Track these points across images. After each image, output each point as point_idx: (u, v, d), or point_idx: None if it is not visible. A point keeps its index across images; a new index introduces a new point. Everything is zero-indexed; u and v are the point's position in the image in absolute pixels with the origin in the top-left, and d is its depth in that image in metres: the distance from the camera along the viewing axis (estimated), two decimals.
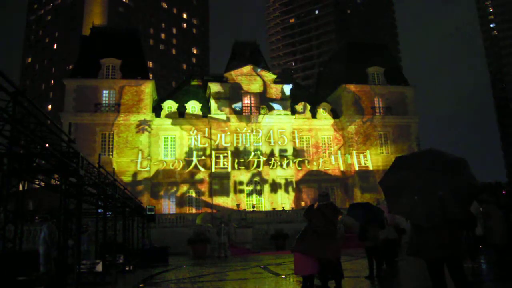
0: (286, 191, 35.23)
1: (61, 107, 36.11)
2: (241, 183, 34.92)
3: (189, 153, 34.81)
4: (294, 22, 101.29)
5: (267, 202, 34.88)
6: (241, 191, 34.86)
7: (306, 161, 36.59)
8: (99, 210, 13.38)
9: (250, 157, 35.12)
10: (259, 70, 37.18)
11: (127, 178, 32.10)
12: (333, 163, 36.99)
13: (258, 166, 35.01)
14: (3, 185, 6.03)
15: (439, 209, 4.65)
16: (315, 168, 36.63)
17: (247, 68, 36.89)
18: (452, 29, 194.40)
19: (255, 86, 36.75)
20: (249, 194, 35.19)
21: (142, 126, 33.96)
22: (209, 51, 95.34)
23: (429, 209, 4.71)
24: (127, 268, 14.71)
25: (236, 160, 34.81)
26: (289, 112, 36.62)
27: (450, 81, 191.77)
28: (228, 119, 35.39)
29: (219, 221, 25.30)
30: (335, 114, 38.46)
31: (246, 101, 36.59)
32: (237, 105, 36.01)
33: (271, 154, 35.51)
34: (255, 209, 33.32)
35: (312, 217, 7.35)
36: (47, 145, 6.98)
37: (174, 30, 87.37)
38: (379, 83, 39.14)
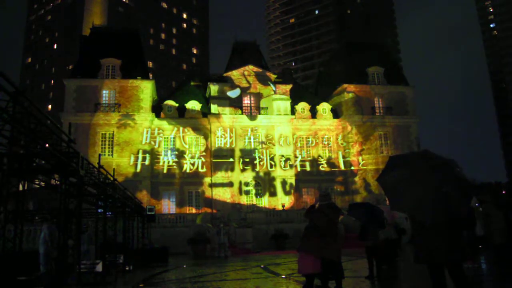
0: (286, 191, 35.21)
1: (61, 107, 36.07)
2: (240, 183, 34.92)
3: (189, 153, 34.79)
4: (294, 22, 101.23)
5: (267, 202, 34.87)
6: (241, 191, 34.86)
7: (306, 161, 36.57)
8: (99, 210, 13.38)
9: (250, 157, 35.11)
10: (259, 70, 37.16)
11: (127, 178, 32.07)
12: (333, 163, 36.98)
13: (258, 166, 35.00)
14: (3, 185, 6.03)
15: (444, 206, 4.63)
16: (315, 168, 36.62)
17: (247, 68, 36.88)
18: (452, 29, 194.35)
19: (255, 86, 36.74)
20: (249, 194, 35.18)
21: (139, 126, 33.95)
22: (209, 51, 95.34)
23: (434, 205, 4.68)
24: (127, 268, 14.73)
25: (236, 160, 34.82)
26: (289, 112, 36.59)
27: (450, 81, 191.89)
28: (228, 119, 35.37)
29: (219, 221, 25.32)
30: (335, 114, 38.44)
31: (246, 101, 36.59)
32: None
33: (271, 154, 35.50)
34: (255, 205, 33.33)
35: (313, 217, 7.35)
36: (47, 145, 6.98)
37: (174, 30, 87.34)
38: (379, 83, 39.12)
